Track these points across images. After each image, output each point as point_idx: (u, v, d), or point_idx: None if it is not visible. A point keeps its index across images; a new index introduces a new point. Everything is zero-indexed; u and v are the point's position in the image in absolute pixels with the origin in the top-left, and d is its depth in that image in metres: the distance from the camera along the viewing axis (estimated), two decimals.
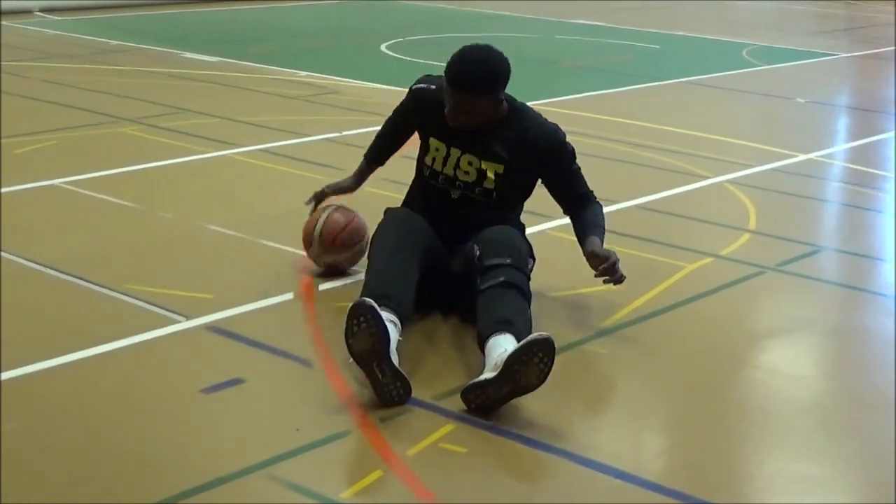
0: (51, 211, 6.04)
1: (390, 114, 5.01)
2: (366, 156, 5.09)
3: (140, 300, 4.72)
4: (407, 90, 4.82)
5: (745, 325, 4.81)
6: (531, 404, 3.87)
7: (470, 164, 4.54)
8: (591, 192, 4.72)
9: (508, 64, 4.47)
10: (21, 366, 4.07)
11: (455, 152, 4.55)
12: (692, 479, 3.51)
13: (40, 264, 5.13)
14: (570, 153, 4.65)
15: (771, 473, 3.58)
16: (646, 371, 4.26)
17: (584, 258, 4.53)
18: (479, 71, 4.36)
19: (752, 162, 7.44)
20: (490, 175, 4.53)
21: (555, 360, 3.74)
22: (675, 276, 5.22)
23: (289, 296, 4.80)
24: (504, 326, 3.96)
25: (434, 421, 3.77)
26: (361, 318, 3.77)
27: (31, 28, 13.24)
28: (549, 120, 4.69)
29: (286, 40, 13.23)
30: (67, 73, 10.30)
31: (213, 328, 4.46)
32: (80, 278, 4.97)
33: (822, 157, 7.78)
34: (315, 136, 7.75)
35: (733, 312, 4.91)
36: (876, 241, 6.19)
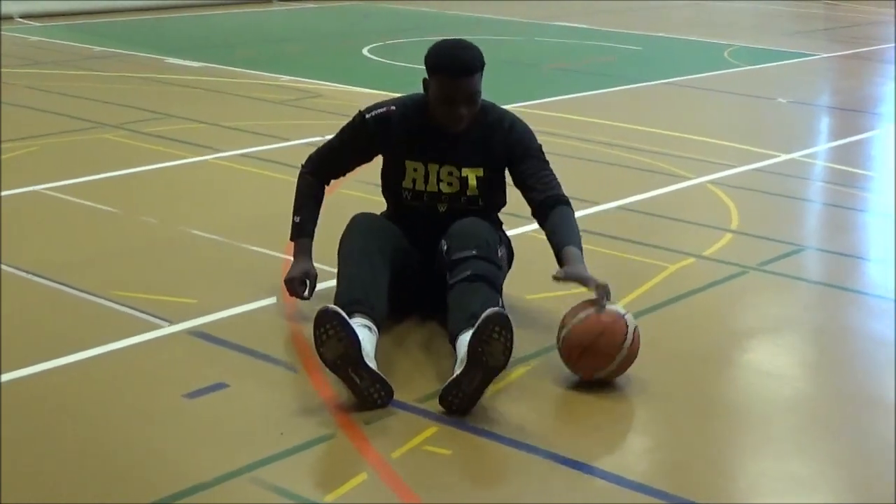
0: (34, 217, 6.03)
1: (333, 143, 4.68)
2: (301, 226, 4.67)
3: (123, 306, 4.72)
4: (355, 116, 4.60)
5: (727, 325, 4.82)
6: (515, 406, 3.88)
7: (450, 174, 4.50)
8: (563, 193, 4.52)
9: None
10: (4, 372, 4.07)
11: (433, 167, 4.50)
12: (677, 479, 3.52)
13: (23, 270, 5.12)
14: (538, 147, 4.56)
15: (755, 473, 3.60)
16: (629, 371, 4.26)
17: (576, 280, 4.19)
18: (468, 52, 4.37)
19: (734, 162, 7.47)
20: (472, 182, 4.51)
21: (513, 333, 3.73)
22: (658, 277, 5.23)
23: (272, 300, 4.80)
24: (473, 320, 3.93)
25: (418, 423, 3.78)
26: (328, 326, 3.77)
27: (13, 34, 13.21)
28: (518, 117, 4.63)
29: (268, 45, 13.23)
30: (50, 79, 10.28)
31: (197, 333, 4.46)
32: (64, 284, 4.96)
33: (803, 156, 7.81)
34: (298, 140, 7.75)
35: (716, 312, 4.93)
36: (858, 240, 6.22)
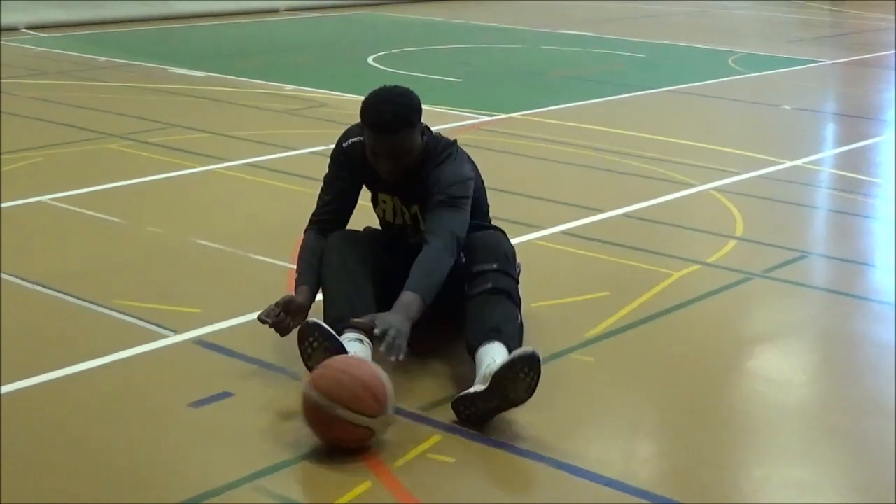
0: (38, 227, 6.04)
1: (325, 193, 4.52)
2: (300, 277, 4.36)
3: (128, 315, 4.73)
4: (332, 151, 4.51)
5: (732, 332, 4.82)
6: (518, 413, 3.87)
7: (404, 212, 4.46)
8: (451, 232, 4.18)
9: (418, 97, 4.31)
10: (9, 382, 4.07)
11: (398, 202, 4.44)
12: (680, 485, 3.52)
13: (28, 281, 5.13)
14: (454, 193, 4.24)
15: (759, 478, 3.59)
16: (633, 379, 4.27)
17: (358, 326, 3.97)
18: (400, 106, 4.21)
19: (739, 169, 7.47)
20: (419, 216, 4.42)
21: (541, 373, 3.74)
22: (662, 284, 5.23)
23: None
24: (493, 334, 3.97)
25: (421, 431, 3.78)
26: (311, 339, 3.81)
27: (18, 45, 13.24)
28: (458, 157, 4.38)
29: (273, 54, 13.25)
30: (55, 89, 10.31)
31: (202, 342, 4.46)
32: (69, 294, 4.97)
33: (808, 163, 7.80)
34: (302, 149, 7.77)
35: (720, 319, 4.93)
36: (862, 246, 6.21)
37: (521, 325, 4.13)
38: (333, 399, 3.57)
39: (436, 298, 4.39)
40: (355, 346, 3.95)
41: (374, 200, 4.56)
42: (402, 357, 3.78)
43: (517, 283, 4.28)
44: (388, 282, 4.30)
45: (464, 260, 4.26)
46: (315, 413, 3.61)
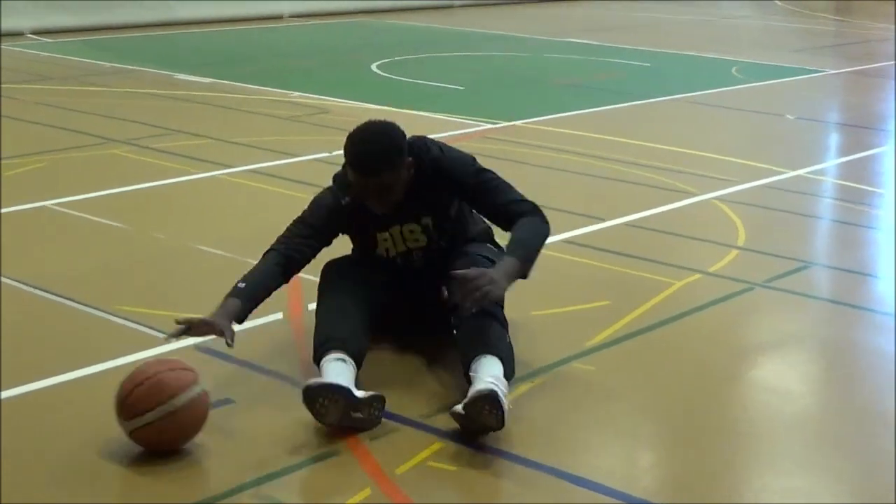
0: (42, 232, 6.05)
1: (300, 231, 4.37)
2: (238, 289, 4.18)
3: (130, 321, 4.74)
4: (331, 202, 4.38)
5: (733, 341, 4.82)
6: (519, 422, 3.88)
7: (412, 231, 4.46)
8: (525, 200, 4.34)
9: (401, 131, 4.27)
10: (11, 387, 4.08)
11: (395, 230, 4.45)
12: (680, 494, 3.53)
13: (31, 286, 5.14)
14: (474, 173, 4.36)
15: (759, 488, 3.60)
16: (634, 388, 4.27)
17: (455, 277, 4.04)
18: (380, 148, 4.18)
19: (741, 178, 7.47)
20: (433, 228, 4.46)
21: (503, 407, 3.69)
22: (664, 293, 5.23)
23: (278, 315, 4.81)
24: (484, 349, 3.99)
25: (422, 439, 3.78)
26: (321, 400, 3.78)
27: (23, 50, 13.26)
28: (445, 151, 4.42)
29: (277, 61, 13.27)
30: (59, 94, 10.32)
31: (203, 349, 4.46)
32: (71, 299, 4.98)
33: (810, 173, 7.80)
34: (306, 155, 7.78)
35: (722, 329, 4.93)
36: (864, 256, 6.21)
37: (510, 345, 4.12)
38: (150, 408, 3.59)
39: (428, 311, 4.40)
40: (338, 366, 3.95)
41: (372, 244, 4.50)
42: (482, 303, 3.94)
43: (501, 307, 4.27)
44: (388, 298, 4.39)
45: (447, 293, 4.20)
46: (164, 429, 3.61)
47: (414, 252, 4.50)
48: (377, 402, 3.86)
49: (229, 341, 3.93)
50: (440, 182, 4.34)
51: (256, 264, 4.31)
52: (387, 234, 4.46)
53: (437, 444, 3.75)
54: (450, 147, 4.43)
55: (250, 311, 4.16)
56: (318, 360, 4.06)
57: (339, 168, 4.40)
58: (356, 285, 4.36)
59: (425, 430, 3.85)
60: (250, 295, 4.17)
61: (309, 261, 4.37)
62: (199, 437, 3.74)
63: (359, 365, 4.07)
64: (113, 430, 3.79)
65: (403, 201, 4.32)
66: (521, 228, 4.23)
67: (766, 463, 3.74)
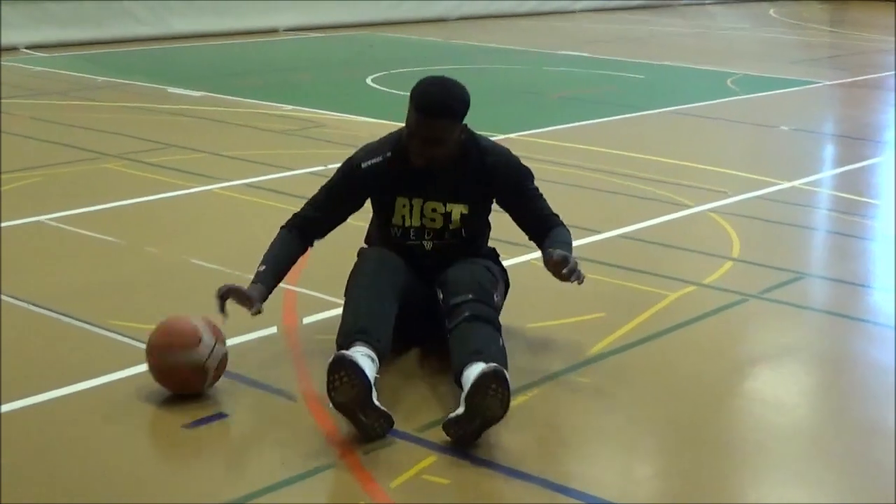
0: (36, 248, 6.04)
1: (320, 197, 4.58)
2: (261, 273, 4.39)
3: (124, 336, 4.72)
4: (346, 164, 4.54)
5: (728, 353, 4.81)
6: (514, 435, 3.87)
7: (434, 210, 4.49)
8: (557, 215, 4.63)
9: (469, 95, 4.46)
10: (5, 403, 4.07)
11: (417, 202, 4.49)
12: None
13: (25, 301, 5.13)
14: (526, 174, 4.59)
15: (755, 500, 3.59)
16: (629, 400, 4.26)
17: (545, 266, 4.36)
18: (450, 96, 4.37)
19: (736, 190, 7.47)
20: (455, 217, 4.50)
21: (509, 386, 3.75)
22: (659, 305, 5.23)
23: (272, 329, 4.80)
24: (474, 356, 3.96)
25: (417, 453, 3.77)
26: (343, 373, 3.77)
27: (17, 65, 13.26)
28: (503, 146, 4.62)
29: (272, 74, 13.27)
30: (53, 109, 10.32)
31: None
32: (65, 314, 4.97)
33: (805, 184, 7.80)
34: (300, 169, 7.76)
35: (717, 340, 4.92)
36: (860, 267, 6.20)
37: (503, 348, 4.11)
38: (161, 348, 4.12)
39: (433, 323, 4.41)
40: (366, 362, 3.92)
41: (389, 210, 4.53)
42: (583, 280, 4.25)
43: (496, 310, 4.30)
44: (407, 305, 4.38)
45: (441, 296, 4.25)
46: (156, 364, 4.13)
47: (426, 231, 4.50)
48: (386, 420, 3.84)
49: (255, 311, 4.24)
50: (483, 176, 4.45)
51: (270, 245, 4.50)
52: (406, 200, 4.49)
53: (431, 458, 3.74)
54: (499, 144, 4.57)
55: (275, 286, 4.41)
56: (346, 344, 4.03)
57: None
58: (395, 279, 4.37)
59: (419, 443, 3.84)
60: (274, 272, 4.40)
61: (326, 223, 4.57)
62: (193, 452, 3.73)
63: (381, 363, 4.07)
64: (109, 443, 3.79)
65: (439, 177, 4.40)
66: (561, 233, 4.53)
67: (762, 475, 3.73)
